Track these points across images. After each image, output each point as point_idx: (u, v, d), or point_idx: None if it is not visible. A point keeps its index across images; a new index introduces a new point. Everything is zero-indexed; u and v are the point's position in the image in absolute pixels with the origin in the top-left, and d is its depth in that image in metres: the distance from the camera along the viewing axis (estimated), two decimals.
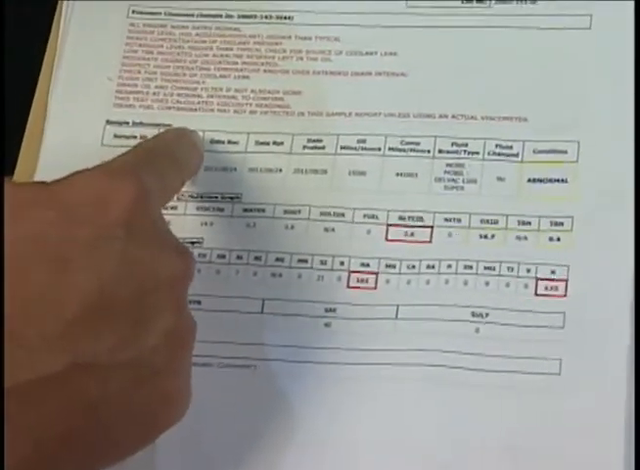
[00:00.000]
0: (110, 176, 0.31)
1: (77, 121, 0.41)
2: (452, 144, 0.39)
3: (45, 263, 0.28)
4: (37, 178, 0.39)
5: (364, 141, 0.39)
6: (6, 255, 0.27)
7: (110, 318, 0.28)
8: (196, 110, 0.40)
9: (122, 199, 0.30)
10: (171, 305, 0.30)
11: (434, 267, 0.37)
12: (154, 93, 0.41)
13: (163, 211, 0.33)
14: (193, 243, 0.38)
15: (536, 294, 0.36)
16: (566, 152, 0.38)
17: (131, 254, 0.29)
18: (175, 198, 0.38)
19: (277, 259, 0.38)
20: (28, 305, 0.27)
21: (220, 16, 0.42)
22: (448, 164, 0.38)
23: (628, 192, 0.37)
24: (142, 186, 0.31)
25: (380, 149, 0.39)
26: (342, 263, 0.38)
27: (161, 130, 0.39)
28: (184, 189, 0.38)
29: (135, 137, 0.40)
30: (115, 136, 0.40)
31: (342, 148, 0.39)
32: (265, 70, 0.41)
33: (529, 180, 0.38)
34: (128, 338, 0.29)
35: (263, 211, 0.39)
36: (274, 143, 0.40)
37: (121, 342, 0.28)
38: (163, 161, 0.35)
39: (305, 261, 0.38)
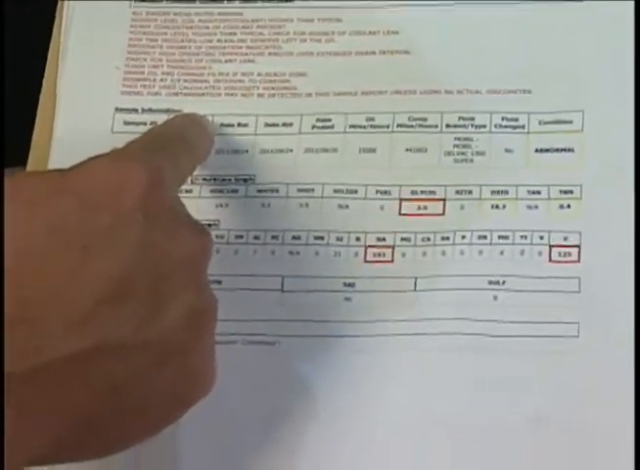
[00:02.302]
0: (123, 162, 0.31)
1: (87, 110, 0.41)
2: (459, 118, 0.39)
3: (64, 251, 0.28)
4: (50, 168, 0.40)
5: (372, 119, 0.40)
6: (26, 243, 0.28)
7: (129, 301, 0.28)
8: (203, 94, 0.41)
9: (137, 183, 0.30)
10: (191, 284, 0.31)
11: (448, 239, 0.38)
12: (161, 80, 0.41)
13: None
14: (210, 225, 0.38)
15: (550, 260, 0.37)
16: (571, 122, 0.39)
17: (149, 237, 0.29)
18: (189, 181, 0.39)
19: (294, 238, 0.38)
20: (48, 292, 0.27)
21: (222, 0, 0.42)
22: (457, 138, 0.39)
23: (629, 159, 0.38)
24: (156, 170, 0.31)
25: (388, 126, 0.39)
26: (357, 239, 0.38)
27: (171, 116, 0.39)
28: (198, 172, 0.38)
29: (145, 124, 0.40)
30: (125, 123, 0.40)
31: (350, 126, 0.40)
32: (270, 53, 0.41)
33: (537, 150, 0.39)
34: (149, 319, 0.29)
35: (277, 190, 0.39)
36: (283, 124, 0.40)
37: (143, 323, 0.29)
38: (175, 144, 0.35)
39: (322, 238, 0.38)
